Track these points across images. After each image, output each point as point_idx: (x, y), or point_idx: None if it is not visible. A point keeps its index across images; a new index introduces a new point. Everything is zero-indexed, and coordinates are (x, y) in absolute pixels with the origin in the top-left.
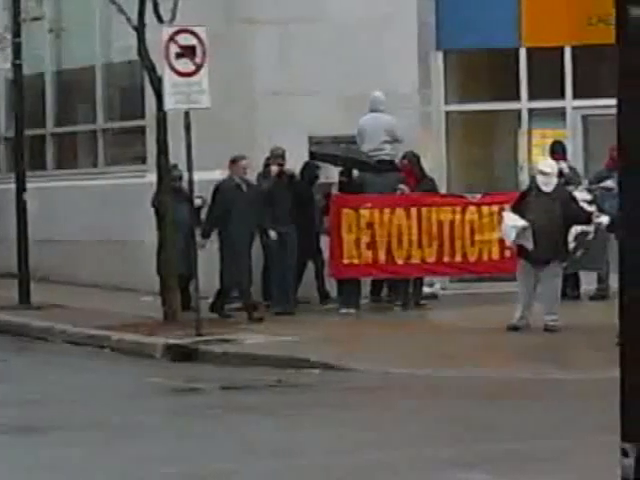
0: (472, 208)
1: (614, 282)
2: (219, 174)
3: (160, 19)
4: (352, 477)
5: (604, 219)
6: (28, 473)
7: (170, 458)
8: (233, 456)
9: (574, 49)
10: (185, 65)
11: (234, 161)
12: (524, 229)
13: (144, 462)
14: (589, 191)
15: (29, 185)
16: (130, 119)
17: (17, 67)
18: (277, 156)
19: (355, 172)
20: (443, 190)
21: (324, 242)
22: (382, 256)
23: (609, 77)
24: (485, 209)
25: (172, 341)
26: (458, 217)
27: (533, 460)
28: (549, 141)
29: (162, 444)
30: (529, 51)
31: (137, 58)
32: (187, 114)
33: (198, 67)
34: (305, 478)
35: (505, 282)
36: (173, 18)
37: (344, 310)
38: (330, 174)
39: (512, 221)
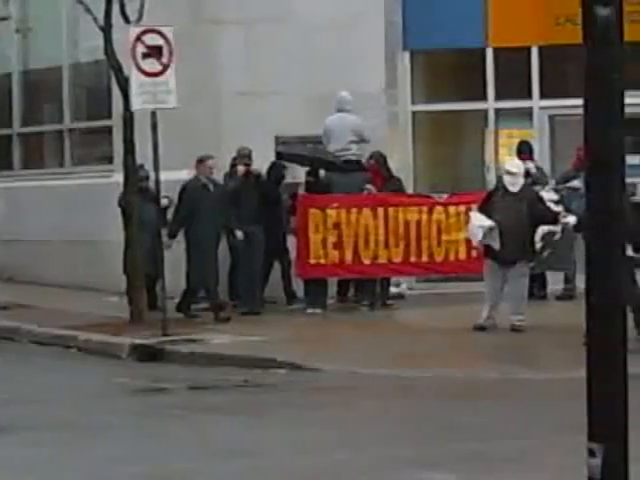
0: (439, 208)
1: (581, 282)
2: (186, 174)
3: (127, 19)
4: (317, 477)
5: (571, 219)
6: None
7: (134, 458)
8: (197, 456)
9: (541, 49)
10: (152, 65)
11: (201, 161)
12: (491, 229)
13: (109, 462)
14: (556, 191)
15: None
16: (97, 119)
17: None
18: (244, 156)
19: (322, 172)
20: (410, 190)
21: (291, 242)
22: (349, 256)
23: (576, 77)
24: (452, 209)
25: (138, 341)
26: (425, 217)
27: (499, 460)
28: (516, 141)
29: (127, 444)
30: (496, 51)
31: (104, 58)
32: (154, 114)
33: (165, 67)
34: (268, 478)
35: (472, 282)
36: (140, 18)
37: (311, 310)
38: (297, 174)
39: (479, 221)
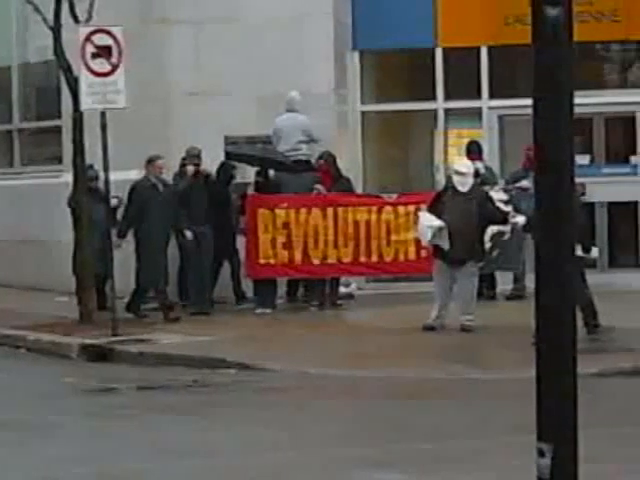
0: (388, 208)
1: (530, 282)
2: (135, 174)
3: (76, 19)
4: (266, 477)
5: (520, 219)
6: None
7: (84, 458)
8: (147, 456)
9: (490, 49)
10: (101, 65)
11: (150, 161)
12: (440, 229)
13: (58, 462)
14: (505, 191)
15: None
16: (46, 119)
17: None
18: (193, 156)
19: (271, 172)
20: (359, 190)
21: (240, 242)
22: (298, 256)
23: (525, 77)
24: (401, 209)
25: (88, 341)
26: (374, 217)
27: (449, 460)
28: (465, 141)
29: (77, 444)
30: (445, 51)
31: (53, 58)
32: (103, 114)
33: (114, 67)
34: (219, 478)
35: (421, 282)
36: (89, 18)
37: (260, 310)
38: (246, 174)
39: (428, 221)
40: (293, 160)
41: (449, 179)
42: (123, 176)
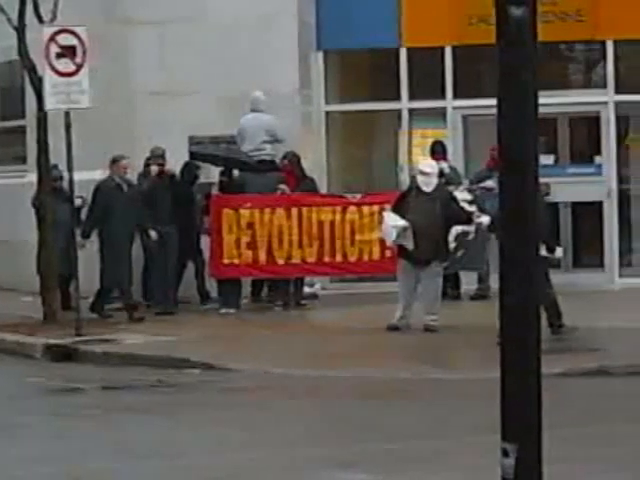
0: (352, 208)
1: (494, 282)
2: (99, 174)
3: (40, 19)
4: (231, 477)
5: (484, 219)
6: None
7: (49, 458)
8: (112, 456)
9: (454, 49)
10: (65, 65)
11: (114, 161)
12: (404, 229)
13: (23, 462)
14: (469, 191)
15: None
16: (10, 119)
17: None
18: (157, 156)
19: (235, 172)
20: (323, 190)
21: (204, 242)
22: (262, 256)
23: (489, 77)
24: (365, 209)
25: (52, 341)
26: (338, 217)
27: (414, 460)
28: (429, 141)
29: (41, 444)
30: (409, 51)
31: (18, 58)
32: (67, 114)
33: (78, 67)
34: (184, 478)
35: (386, 282)
36: (54, 18)
37: (224, 310)
38: (210, 174)
39: (392, 221)
40: (257, 160)
41: (413, 179)
42: (87, 176)
